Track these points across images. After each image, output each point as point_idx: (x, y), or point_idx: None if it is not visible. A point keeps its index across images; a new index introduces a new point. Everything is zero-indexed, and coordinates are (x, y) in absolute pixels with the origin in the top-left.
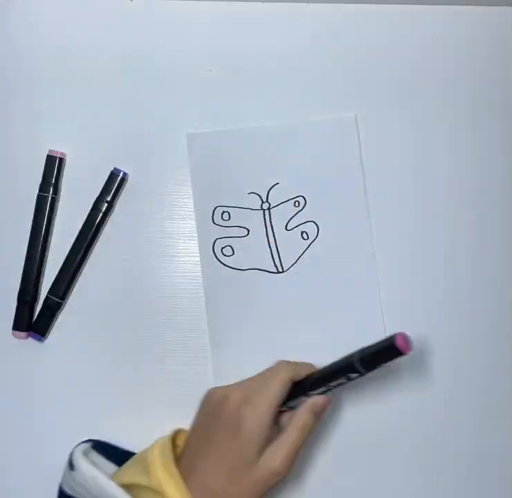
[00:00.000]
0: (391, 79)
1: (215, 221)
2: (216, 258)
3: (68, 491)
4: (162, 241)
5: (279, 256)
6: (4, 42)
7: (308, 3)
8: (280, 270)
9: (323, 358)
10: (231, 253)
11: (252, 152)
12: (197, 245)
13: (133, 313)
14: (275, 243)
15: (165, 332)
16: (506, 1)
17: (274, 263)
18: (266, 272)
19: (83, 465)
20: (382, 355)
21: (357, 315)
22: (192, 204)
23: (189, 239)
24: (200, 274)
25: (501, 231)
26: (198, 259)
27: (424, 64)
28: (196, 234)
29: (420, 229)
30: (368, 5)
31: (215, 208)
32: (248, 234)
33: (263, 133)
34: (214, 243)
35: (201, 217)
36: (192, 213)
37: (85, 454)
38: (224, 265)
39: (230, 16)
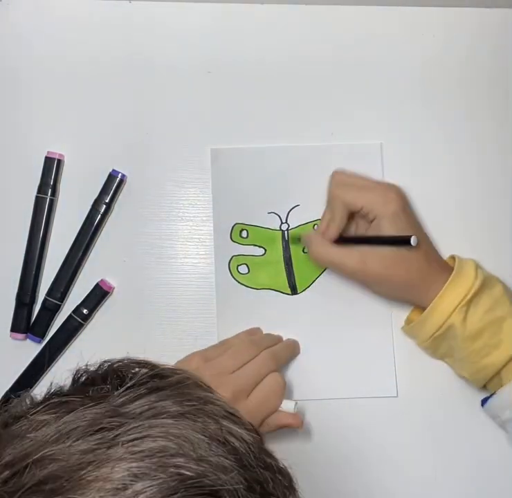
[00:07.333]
0: (394, 85)
1: (233, 238)
2: (231, 275)
3: None
4: (160, 242)
5: (294, 278)
6: (3, 43)
7: (306, 4)
8: (294, 292)
9: (331, 381)
10: (246, 271)
11: (275, 172)
12: (196, 247)
13: (132, 315)
14: (291, 265)
15: (164, 333)
16: (507, 2)
17: (288, 284)
18: (279, 293)
19: None
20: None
21: (367, 341)
22: (192, 206)
23: (187, 241)
24: (198, 275)
25: None
26: (196, 260)
27: (424, 66)
28: (194, 236)
29: None
30: (367, 6)
31: (234, 225)
32: (264, 253)
33: (288, 153)
34: (230, 260)
35: (219, 233)
36: (190, 214)
37: None
38: (238, 282)
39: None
